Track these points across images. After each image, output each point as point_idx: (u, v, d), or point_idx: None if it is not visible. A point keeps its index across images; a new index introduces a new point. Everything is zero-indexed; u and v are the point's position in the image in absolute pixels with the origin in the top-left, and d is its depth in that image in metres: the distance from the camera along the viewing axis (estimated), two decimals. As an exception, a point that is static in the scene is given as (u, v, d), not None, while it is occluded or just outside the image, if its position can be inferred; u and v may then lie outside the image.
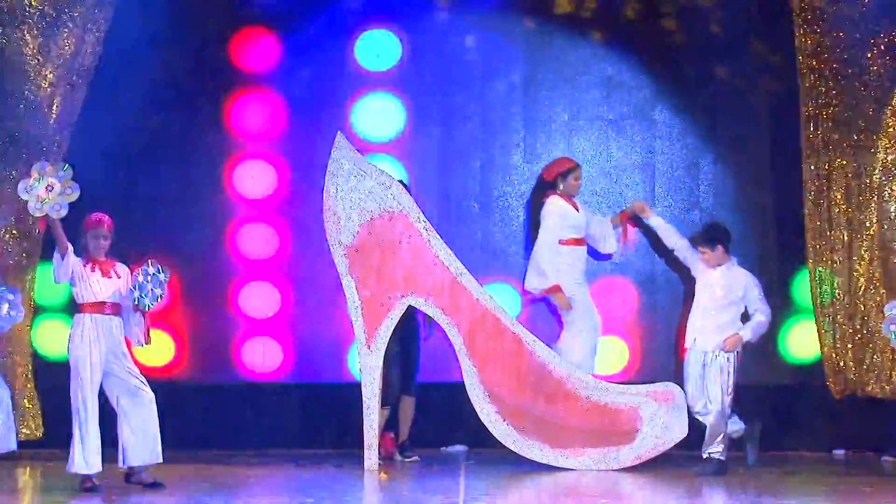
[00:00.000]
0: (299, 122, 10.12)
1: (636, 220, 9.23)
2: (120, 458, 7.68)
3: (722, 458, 8.43)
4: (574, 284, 8.99)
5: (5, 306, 8.61)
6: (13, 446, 8.44)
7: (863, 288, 9.49)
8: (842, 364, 9.53)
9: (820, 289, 9.54)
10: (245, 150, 10.13)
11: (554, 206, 9.06)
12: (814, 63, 9.40)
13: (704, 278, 8.64)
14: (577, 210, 9.10)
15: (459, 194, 10.25)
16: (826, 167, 9.52)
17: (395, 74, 10.20)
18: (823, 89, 9.45)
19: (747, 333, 8.63)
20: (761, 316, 8.68)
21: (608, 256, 9.44)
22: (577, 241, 9.10)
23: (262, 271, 10.15)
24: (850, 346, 9.52)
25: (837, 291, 9.48)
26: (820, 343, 9.56)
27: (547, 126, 10.20)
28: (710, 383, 8.45)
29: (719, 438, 8.42)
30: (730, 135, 10.15)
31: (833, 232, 9.55)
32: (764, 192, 10.12)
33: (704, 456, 8.45)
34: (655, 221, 9.02)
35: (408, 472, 8.86)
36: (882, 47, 9.25)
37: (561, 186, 9.09)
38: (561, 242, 9.02)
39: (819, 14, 9.27)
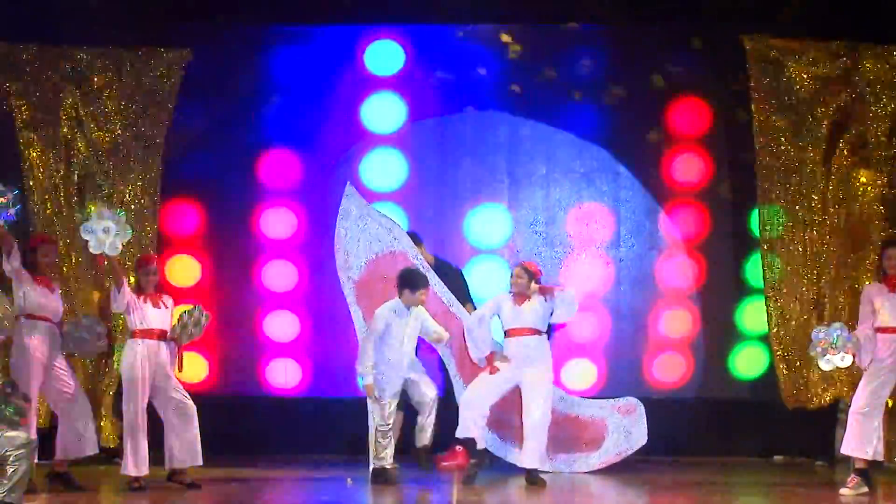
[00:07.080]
0: (315, 176, 10.76)
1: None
2: (166, 460, 8.29)
3: None
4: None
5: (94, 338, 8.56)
6: (96, 450, 8.54)
7: (806, 317, 9.91)
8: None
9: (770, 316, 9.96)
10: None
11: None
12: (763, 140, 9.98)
13: None
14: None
15: (452, 236, 10.77)
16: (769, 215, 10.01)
17: (400, 134, 10.79)
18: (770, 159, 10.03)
19: None
20: None
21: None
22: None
23: (283, 302, 10.83)
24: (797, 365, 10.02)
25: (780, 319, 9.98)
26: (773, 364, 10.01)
27: (528, 178, 10.86)
28: None
29: None
30: (683, 185, 10.76)
31: (779, 272, 10.01)
32: (713, 235, 10.74)
33: None
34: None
35: (404, 476, 8.82)
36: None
37: None
38: None
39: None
